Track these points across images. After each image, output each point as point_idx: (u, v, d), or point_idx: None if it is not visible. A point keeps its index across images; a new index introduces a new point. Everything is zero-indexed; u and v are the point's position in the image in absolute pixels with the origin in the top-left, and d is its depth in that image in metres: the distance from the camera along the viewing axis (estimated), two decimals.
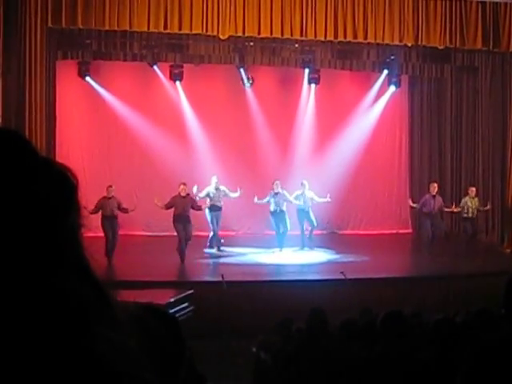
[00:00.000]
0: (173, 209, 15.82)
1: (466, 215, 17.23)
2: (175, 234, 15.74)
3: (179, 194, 15.80)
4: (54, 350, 0.86)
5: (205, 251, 16.88)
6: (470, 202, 17.22)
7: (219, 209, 16.98)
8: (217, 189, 16.98)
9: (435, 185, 17.70)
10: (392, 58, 19.21)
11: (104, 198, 15.65)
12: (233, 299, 12.71)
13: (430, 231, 17.19)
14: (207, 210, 16.84)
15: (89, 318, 0.91)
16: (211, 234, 17.09)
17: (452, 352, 4.95)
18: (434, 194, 17.39)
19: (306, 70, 19.75)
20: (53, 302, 0.88)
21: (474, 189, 17.62)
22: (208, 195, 16.83)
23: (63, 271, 0.92)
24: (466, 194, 17.66)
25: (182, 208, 15.69)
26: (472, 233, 17.22)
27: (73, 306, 0.89)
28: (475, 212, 17.22)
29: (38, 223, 0.90)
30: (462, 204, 17.35)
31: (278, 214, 17.21)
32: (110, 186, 15.85)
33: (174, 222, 15.72)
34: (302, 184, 17.75)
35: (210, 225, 17.00)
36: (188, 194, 15.93)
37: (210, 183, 17.06)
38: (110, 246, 15.21)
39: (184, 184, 15.95)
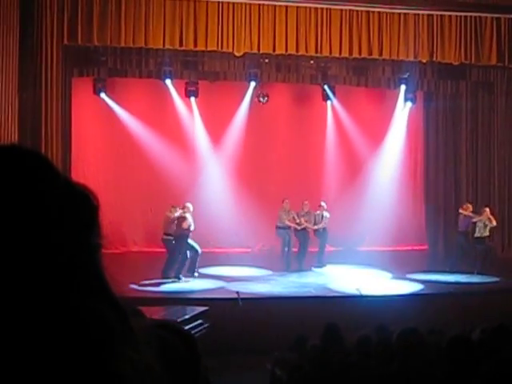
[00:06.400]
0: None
1: (477, 235, 17.00)
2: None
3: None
4: (79, 371, 0.87)
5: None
6: (481, 222, 16.95)
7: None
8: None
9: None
10: (407, 74, 19.19)
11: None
12: (248, 316, 12.68)
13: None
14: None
15: (113, 338, 0.91)
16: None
17: (468, 369, 4.91)
18: None
19: (326, 87, 19.69)
20: (76, 322, 0.89)
21: (487, 209, 17.35)
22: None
23: (85, 291, 0.93)
24: (481, 213, 17.24)
25: None
26: (484, 253, 16.89)
27: (96, 327, 0.90)
28: (483, 232, 16.89)
29: (60, 244, 0.91)
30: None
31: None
32: (174, 207, 15.69)
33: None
34: (320, 205, 17.70)
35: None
36: None
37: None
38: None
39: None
